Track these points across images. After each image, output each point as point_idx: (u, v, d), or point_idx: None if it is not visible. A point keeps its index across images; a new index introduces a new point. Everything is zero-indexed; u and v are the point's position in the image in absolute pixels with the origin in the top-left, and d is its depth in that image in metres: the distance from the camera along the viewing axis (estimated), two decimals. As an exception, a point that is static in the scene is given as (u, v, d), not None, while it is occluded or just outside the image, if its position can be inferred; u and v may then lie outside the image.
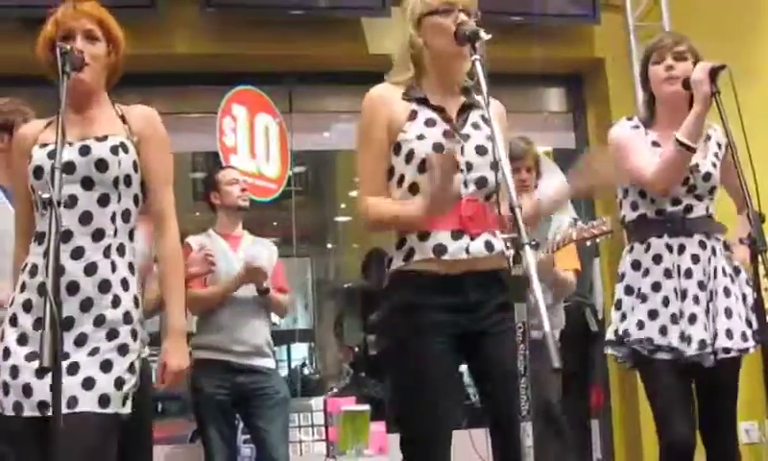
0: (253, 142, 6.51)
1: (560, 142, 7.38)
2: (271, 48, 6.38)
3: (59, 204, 2.42)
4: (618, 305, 3.69)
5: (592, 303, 6.59)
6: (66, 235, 2.81)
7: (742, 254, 3.53)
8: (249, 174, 6.05)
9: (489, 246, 2.89)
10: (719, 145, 3.69)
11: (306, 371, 9.71)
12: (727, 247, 3.62)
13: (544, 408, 4.35)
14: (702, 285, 3.51)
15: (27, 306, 2.85)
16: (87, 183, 2.90)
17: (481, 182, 2.91)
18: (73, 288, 2.82)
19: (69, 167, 2.84)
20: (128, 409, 2.87)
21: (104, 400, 2.79)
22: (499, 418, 2.86)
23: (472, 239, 2.87)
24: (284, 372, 9.11)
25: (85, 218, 2.88)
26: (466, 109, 3.01)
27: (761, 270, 3.16)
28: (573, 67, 7.16)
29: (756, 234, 3.16)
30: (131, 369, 2.89)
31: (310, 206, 10.57)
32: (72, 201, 2.86)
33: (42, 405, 2.73)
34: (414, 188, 2.90)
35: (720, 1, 6.63)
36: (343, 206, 11.37)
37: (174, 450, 5.80)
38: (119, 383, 2.83)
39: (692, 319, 3.48)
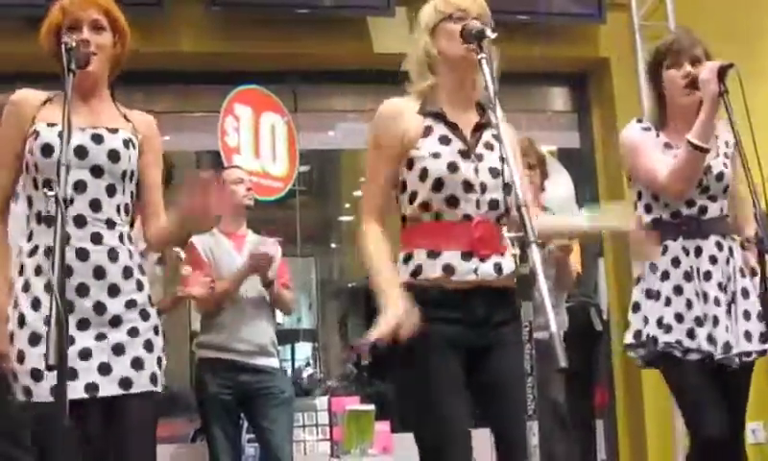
0: (258, 142, 6.52)
1: (564, 142, 7.38)
2: (276, 47, 6.38)
3: (65, 202, 2.40)
4: (637, 308, 3.65)
5: (597, 303, 6.59)
6: (80, 220, 2.83)
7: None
8: (253, 173, 6.04)
9: (498, 268, 2.86)
10: (727, 144, 3.66)
11: (310, 370, 9.70)
12: (744, 247, 3.59)
13: (550, 408, 4.34)
14: (722, 287, 3.49)
15: (48, 288, 2.77)
16: (97, 171, 2.89)
17: (493, 205, 2.88)
18: (100, 273, 2.84)
19: (81, 152, 2.85)
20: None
21: (154, 379, 2.92)
22: (506, 437, 2.82)
23: (482, 260, 2.84)
24: (288, 371, 9.10)
25: (96, 205, 2.88)
26: (479, 128, 2.97)
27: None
28: (578, 67, 7.15)
29: (763, 234, 3.15)
30: (163, 349, 3.00)
31: (314, 206, 10.55)
32: (81, 186, 2.85)
33: (90, 387, 2.76)
34: (426, 207, 2.86)
35: (726, 0, 6.62)
36: (347, 205, 11.36)
37: (178, 450, 5.79)
38: (160, 362, 2.97)
39: (715, 321, 3.45)
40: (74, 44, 2.76)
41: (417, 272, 2.85)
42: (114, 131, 2.96)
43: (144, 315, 2.93)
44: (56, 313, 2.19)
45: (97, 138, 2.91)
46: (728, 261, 3.53)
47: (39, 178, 2.88)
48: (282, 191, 6.56)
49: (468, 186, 2.86)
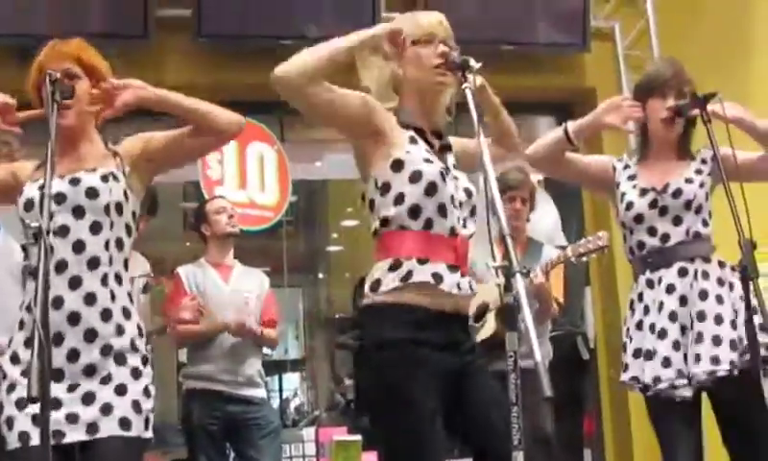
0: (244, 172, 6.52)
1: (550, 171, 7.38)
2: (262, 77, 6.28)
3: (48, 232, 2.39)
4: (624, 348, 3.67)
5: (584, 332, 6.59)
6: (61, 266, 2.80)
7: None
8: (238, 204, 6.04)
9: (471, 287, 2.89)
10: (704, 161, 3.65)
11: (297, 401, 9.68)
12: (722, 265, 3.57)
13: (538, 436, 4.34)
14: (673, 316, 3.47)
15: (28, 344, 2.80)
16: (78, 212, 2.87)
17: (467, 224, 2.92)
18: (74, 319, 2.80)
19: (60, 198, 2.84)
20: (150, 434, 2.87)
21: (125, 423, 2.79)
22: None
23: (462, 276, 2.85)
24: (275, 402, 9.08)
25: (79, 246, 2.85)
26: (444, 150, 2.99)
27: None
28: (563, 96, 7.17)
29: (746, 262, 3.15)
30: (146, 392, 2.89)
31: (301, 236, 10.56)
32: (64, 230, 2.84)
33: (57, 434, 2.70)
34: (415, 211, 2.81)
35: (709, 29, 6.67)
36: (335, 235, 11.37)
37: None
38: (137, 406, 2.84)
39: (655, 353, 3.47)
40: (57, 75, 2.77)
41: (407, 277, 2.77)
42: (92, 170, 2.95)
43: (120, 360, 2.85)
44: (38, 346, 2.18)
45: (74, 181, 2.90)
46: (692, 286, 3.50)
47: (27, 233, 2.84)
48: (272, 220, 6.58)
49: (452, 200, 2.86)
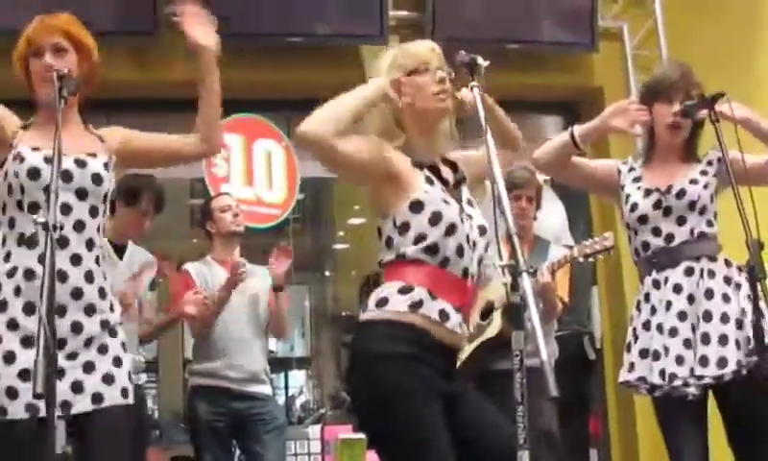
0: (251, 170, 6.53)
1: (558, 171, 7.38)
2: (269, 75, 6.40)
3: (54, 227, 2.41)
4: (628, 347, 3.68)
5: (590, 332, 6.58)
6: (63, 241, 2.87)
7: None
8: (245, 201, 6.04)
9: (468, 329, 2.98)
10: (710, 162, 3.66)
11: (303, 398, 9.69)
12: (729, 264, 3.57)
13: (544, 437, 4.33)
14: (682, 315, 3.47)
15: (28, 309, 2.84)
16: (81, 194, 2.98)
17: (479, 262, 2.92)
18: (78, 294, 2.91)
19: (66, 176, 2.90)
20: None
21: (125, 392, 2.97)
22: None
23: (464, 319, 2.88)
24: (281, 399, 9.09)
25: (79, 226, 2.96)
26: (458, 185, 2.99)
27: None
28: (571, 95, 7.17)
29: (754, 262, 3.15)
30: (129, 362, 3.07)
31: (308, 234, 10.57)
32: (67, 209, 2.91)
33: (64, 405, 2.81)
34: (434, 250, 2.81)
35: (717, 29, 6.65)
36: (341, 233, 11.37)
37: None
38: (129, 376, 3.02)
39: (665, 352, 3.47)
40: (65, 72, 2.80)
41: (417, 305, 2.77)
42: (94, 155, 3.04)
43: (113, 333, 3.00)
44: (44, 343, 2.19)
45: (80, 163, 2.99)
46: (698, 285, 3.51)
47: (25, 200, 2.92)
48: (280, 218, 6.58)
49: (467, 241, 2.86)
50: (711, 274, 3.52)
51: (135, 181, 4.85)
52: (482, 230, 2.93)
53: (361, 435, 5.79)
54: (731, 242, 3.54)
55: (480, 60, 2.79)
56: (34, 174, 2.90)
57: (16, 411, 2.77)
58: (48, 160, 2.81)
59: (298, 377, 10.79)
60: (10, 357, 2.81)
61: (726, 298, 3.48)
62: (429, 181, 2.90)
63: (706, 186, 3.58)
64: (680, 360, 3.43)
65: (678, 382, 3.43)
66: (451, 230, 2.82)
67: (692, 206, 3.55)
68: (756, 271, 3.13)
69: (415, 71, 2.96)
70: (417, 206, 2.85)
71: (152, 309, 5.05)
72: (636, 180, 3.68)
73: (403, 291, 2.80)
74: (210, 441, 5.03)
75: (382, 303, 2.82)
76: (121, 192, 4.87)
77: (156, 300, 5.07)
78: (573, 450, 5.63)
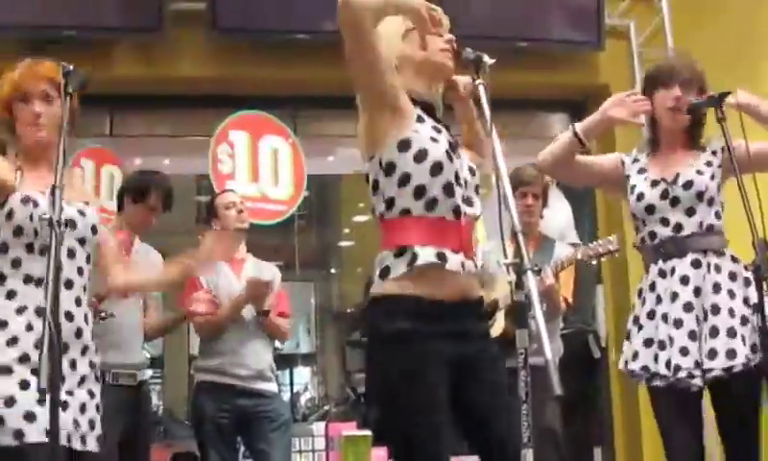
0: (256, 166, 6.53)
1: (563, 168, 7.38)
2: (275, 72, 6.40)
3: (59, 224, 2.45)
4: (627, 335, 3.69)
5: (595, 330, 6.58)
6: (69, 283, 3.03)
7: None
8: (250, 198, 6.05)
9: (476, 265, 2.89)
10: (714, 152, 3.66)
11: (308, 395, 9.69)
12: (735, 260, 3.57)
13: (547, 435, 4.33)
14: (688, 307, 3.47)
15: (10, 344, 2.94)
16: (82, 242, 3.14)
17: (471, 202, 2.91)
18: (79, 334, 3.05)
19: (72, 224, 3.05)
20: None
21: (100, 441, 3.10)
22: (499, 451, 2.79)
23: (467, 258, 2.85)
24: (286, 396, 9.09)
25: (80, 271, 3.12)
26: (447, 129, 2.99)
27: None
28: (577, 93, 7.16)
29: (760, 261, 3.15)
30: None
31: (313, 231, 10.57)
32: (72, 254, 3.07)
33: (67, 437, 2.92)
34: (420, 192, 2.81)
35: (724, 27, 6.65)
36: (346, 230, 11.37)
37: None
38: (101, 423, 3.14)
39: (670, 343, 3.47)
40: (71, 67, 2.81)
41: (413, 260, 2.77)
42: (86, 203, 3.22)
43: (96, 378, 3.14)
44: (48, 337, 2.21)
45: (82, 213, 3.15)
46: (704, 278, 3.51)
47: (37, 243, 3.02)
48: (286, 214, 6.58)
49: (457, 177, 2.85)
50: (718, 268, 3.52)
51: (144, 178, 4.86)
52: (472, 171, 2.94)
53: (366, 432, 5.79)
54: (734, 235, 3.56)
55: (486, 58, 2.79)
56: (17, 231, 3.02)
57: (34, 434, 2.83)
58: (31, 203, 3.02)
59: (303, 374, 10.79)
60: (24, 385, 2.89)
61: (731, 294, 3.48)
62: (420, 119, 2.90)
63: (712, 177, 3.59)
64: (684, 351, 3.44)
65: (682, 374, 3.43)
66: (437, 168, 2.81)
67: (700, 196, 3.55)
68: (761, 270, 3.14)
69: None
70: (404, 145, 2.84)
71: (158, 307, 5.06)
72: (642, 171, 3.69)
73: (398, 254, 2.81)
74: (215, 437, 5.03)
75: (385, 272, 2.83)
76: (129, 189, 4.89)
77: (162, 299, 5.07)
78: (577, 449, 5.63)
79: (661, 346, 3.49)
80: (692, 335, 3.45)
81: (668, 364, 3.46)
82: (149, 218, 4.84)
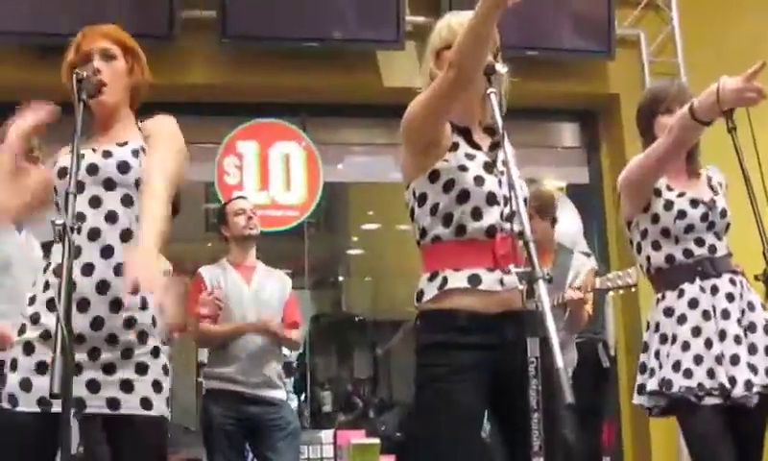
0: (266, 175, 6.54)
1: (573, 177, 7.39)
2: (286, 80, 6.41)
3: (72, 229, 2.41)
4: (657, 355, 3.57)
5: (605, 339, 6.56)
6: (94, 233, 2.82)
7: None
8: (260, 207, 6.05)
9: (520, 278, 2.87)
10: (720, 185, 3.69)
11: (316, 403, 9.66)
12: (756, 278, 3.57)
13: (560, 444, 4.32)
14: (740, 323, 3.46)
15: (51, 306, 2.80)
16: (109, 184, 2.89)
17: (511, 219, 2.89)
18: (103, 287, 2.80)
19: (92, 169, 2.87)
20: (169, 412, 2.93)
21: (146, 403, 2.83)
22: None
23: (506, 273, 2.82)
24: (294, 403, 9.08)
25: (112, 217, 2.87)
26: (494, 148, 2.98)
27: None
28: (588, 103, 7.17)
29: (771, 276, 3.15)
30: (165, 370, 2.92)
31: (322, 239, 10.57)
32: (96, 201, 2.86)
33: (78, 403, 2.74)
34: (448, 219, 2.86)
35: (735, 37, 6.64)
36: (355, 238, 11.36)
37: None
38: (157, 386, 2.88)
39: (735, 360, 3.40)
40: (84, 75, 2.79)
41: (443, 284, 2.83)
42: (123, 144, 2.96)
43: (142, 337, 2.86)
44: (61, 341, 2.19)
45: (106, 154, 2.92)
46: (742, 296, 3.51)
47: (59, 200, 2.91)
48: (298, 219, 6.59)
49: (491, 198, 2.87)
50: (749, 288, 3.54)
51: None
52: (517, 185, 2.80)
53: (374, 440, 5.80)
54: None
55: (498, 67, 2.78)
56: (61, 173, 2.89)
57: (28, 404, 2.74)
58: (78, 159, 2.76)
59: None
60: (29, 349, 2.79)
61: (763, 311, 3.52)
62: (454, 147, 2.92)
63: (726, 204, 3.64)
64: (750, 368, 3.40)
65: (755, 389, 3.38)
66: (464, 196, 2.85)
67: (728, 226, 3.61)
68: (775, 281, 3.14)
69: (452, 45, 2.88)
70: (434, 176, 2.91)
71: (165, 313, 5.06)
72: (670, 188, 3.62)
73: (430, 279, 2.88)
74: (223, 445, 5.04)
75: (419, 296, 2.91)
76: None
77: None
78: (586, 459, 5.61)
79: (718, 361, 3.41)
80: (751, 349, 3.44)
81: (732, 380, 3.39)
82: (157, 223, 4.84)
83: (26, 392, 2.76)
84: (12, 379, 2.78)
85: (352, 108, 6.80)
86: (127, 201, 2.90)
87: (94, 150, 2.91)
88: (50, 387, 2.18)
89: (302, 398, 9.85)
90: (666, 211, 3.59)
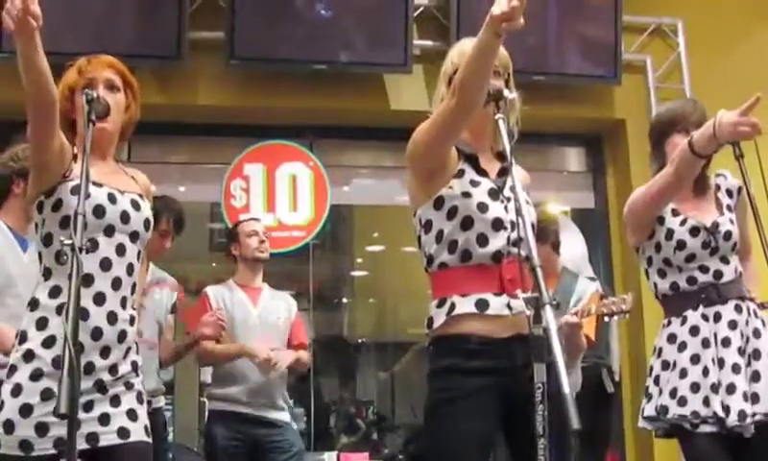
0: (272, 197, 6.55)
1: (579, 202, 7.39)
2: (293, 102, 6.43)
3: (80, 249, 2.41)
4: (657, 381, 3.59)
5: (609, 364, 6.54)
6: (88, 279, 2.81)
7: None
8: (266, 229, 6.05)
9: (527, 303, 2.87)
10: (730, 193, 3.66)
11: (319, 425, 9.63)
12: (762, 307, 3.56)
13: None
14: (741, 351, 3.45)
15: (47, 344, 2.81)
16: (134, 237, 2.97)
17: (517, 242, 2.90)
18: (122, 337, 2.89)
19: (124, 217, 2.93)
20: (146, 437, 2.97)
21: (147, 431, 2.96)
22: None
23: (513, 297, 2.83)
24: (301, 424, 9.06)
25: (106, 264, 2.89)
26: (503, 174, 2.99)
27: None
28: (594, 128, 7.17)
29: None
30: (139, 399, 2.99)
31: (327, 260, 10.56)
32: (93, 245, 2.87)
33: (91, 438, 2.78)
34: (453, 246, 2.88)
35: (741, 62, 6.66)
36: (360, 260, 11.36)
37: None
38: (132, 414, 2.92)
39: (731, 389, 3.39)
40: (94, 95, 2.80)
41: (451, 310, 2.85)
42: (124, 192, 3.00)
43: (135, 368, 2.97)
44: (68, 361, 2.18)
45: (136, 206, 2.98)
46: (747, 323, 3.49)
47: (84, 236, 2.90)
48: (305, 239, 6.60)
49: (497, 224, 2.88)
50: (755, 313, 3.53)
51: (153, 203, 4.86)
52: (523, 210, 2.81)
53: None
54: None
55: (506, 93, 2.79)
56: (99, 212, 2.89)
57: (44, 447, 2.73)
58: (112, 199, 2.90)
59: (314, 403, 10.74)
60: (47, 394, 2.75)
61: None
62: (459, 174, 2.94)
63: (732, 222, 3.59)
64: (746, 398, 3.38)
65: (749, 420, 3.36)
66: (468, 222, 2.88)
67: (734, 247, 3.58)
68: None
69: None
70: (438, 203, 2.94)
71: (171, 331, 5.06)
72: (675, 213, 3.62)
73: (439, 305, 2.90)
74: (227, 465, 5.03)
75: (430, 323, 2.94)
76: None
77: (175, 323, 5.07)
78: (590, 483, 5.59)
79: (714, 389, 3.40)
80: (754, 377, 3.43)
81: (724, 407, 3.38)
82: (162, 243, 4.83)
83: (7, 434, 2.75)
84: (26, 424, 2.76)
85: (359, 130, 6.81)
86: (121, 250, 2.94)
87: (99, 185, 2.91)
88: (56, 406, 2.16)
89: (306, 419, 9.85)
90: (667, 242, 3.59)
